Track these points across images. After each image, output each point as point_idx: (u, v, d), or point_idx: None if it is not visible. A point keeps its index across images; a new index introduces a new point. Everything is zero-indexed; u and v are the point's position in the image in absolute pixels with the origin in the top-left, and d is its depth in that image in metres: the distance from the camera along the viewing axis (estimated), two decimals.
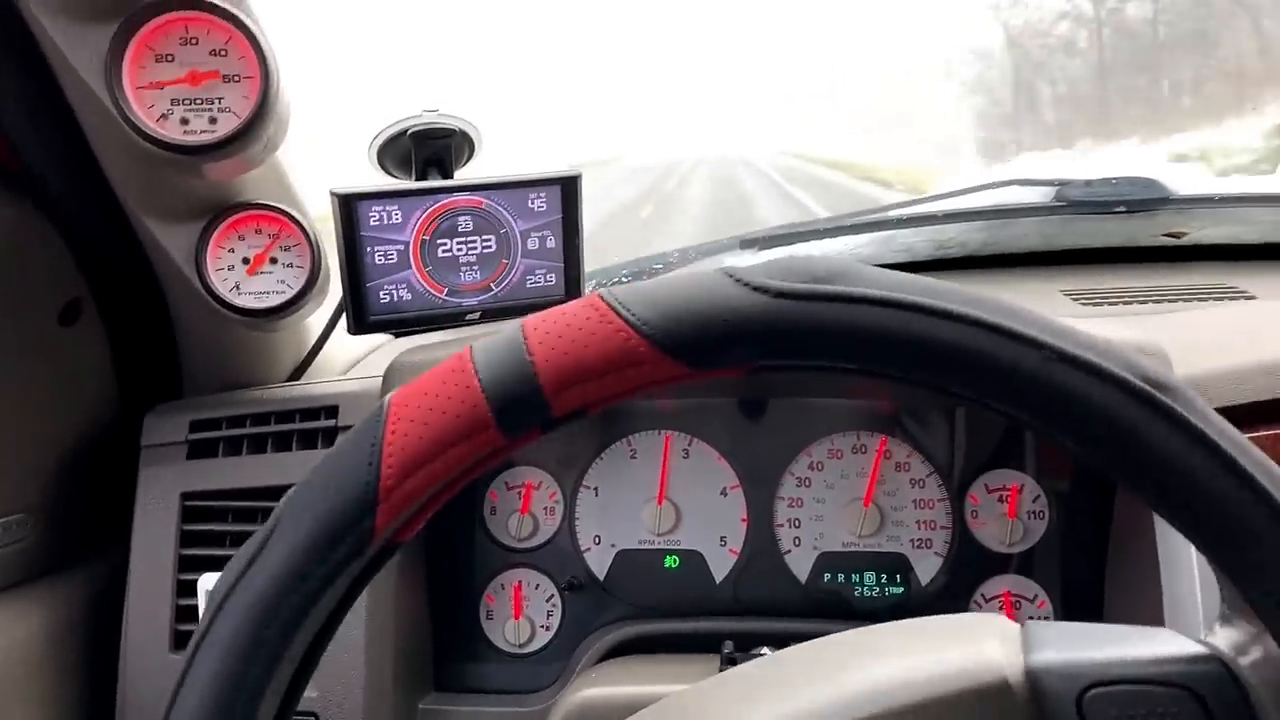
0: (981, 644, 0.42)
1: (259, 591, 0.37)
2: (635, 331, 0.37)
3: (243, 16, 0.71)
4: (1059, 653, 0.41)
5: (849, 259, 0.39)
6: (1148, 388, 0.36)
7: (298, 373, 1.01)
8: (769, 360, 0.38)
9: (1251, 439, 0.36)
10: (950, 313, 0.36)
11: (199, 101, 0.71)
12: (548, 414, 0.37)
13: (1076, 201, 1.26)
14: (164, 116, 0.70)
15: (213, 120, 0.71)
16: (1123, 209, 1.26)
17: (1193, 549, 0.76)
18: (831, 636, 0.48)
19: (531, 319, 0.39)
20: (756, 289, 0.37)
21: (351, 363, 1.12)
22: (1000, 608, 0.88)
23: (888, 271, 0.38)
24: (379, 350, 1.16)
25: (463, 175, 0.94)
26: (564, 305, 0.39)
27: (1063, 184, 1.29)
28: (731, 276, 0.38)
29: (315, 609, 0.37)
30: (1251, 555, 0.35)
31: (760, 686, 0.46)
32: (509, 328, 0.39)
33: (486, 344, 0.39)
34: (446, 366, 0.39)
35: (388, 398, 0.39)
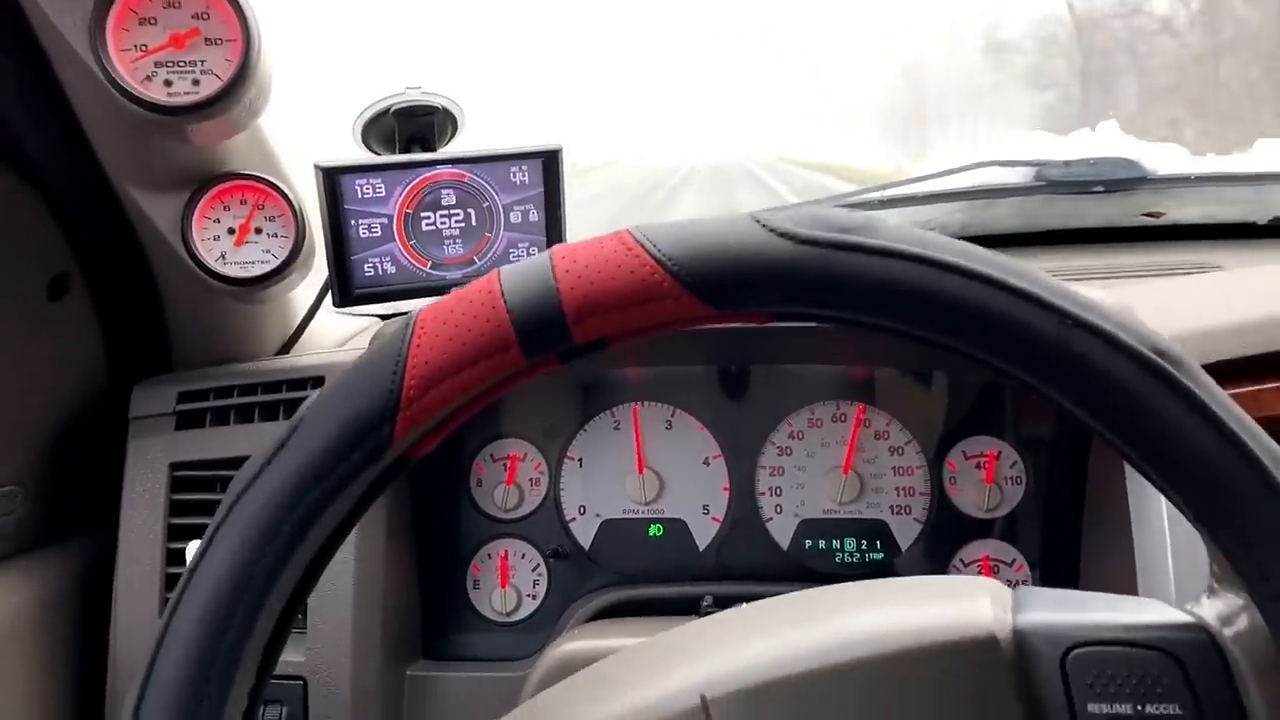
0: (973, 601, 0.43)
1: (276, 488, 0.38)
2: (661, 267, 0.38)
3: None
4: (1046, 614, 0.42)
5: (879, 216, 0.39)
6: (1157, 358, 0.36)
7: (285, 348, 1.02)
8: (789, 306, 0.38)
9: None
10: (974, 272, 0.37)
11: (182, 64, 0.72)
12: (569, 340, 0.38)
13: (1055, 181, 1.28)
14: (148, 79, 0.72)
15: (195, 82, 0.72)
16: (1101, 189, 1.27)
17: (1164, 513, 0.77)
18: (819, 588, 0.49)
19: (560, 248, 0.40)
20: (783, 235, 0.38)
21: (340, 342, 1.13)
22: (979, 572, 0.90)
23: (915, 229, 0.39)
24: (366, 330, 1.17)
25: (445, 152, 0.96)
26: (595, 238, 0.40)
27: (1041, 164, 1.30)
28: (759, 222, 0.39)
29: (329, 510, 0.38)
30: (1245, 532, 0.36)
31: (747, 628, 0.47)
32: (538, 255, 0.40)
33: (515, 268, 0.39)
34: (475, 286, 0.39)
35: (415, 311, 0.40)
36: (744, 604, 0.77)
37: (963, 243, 0.38)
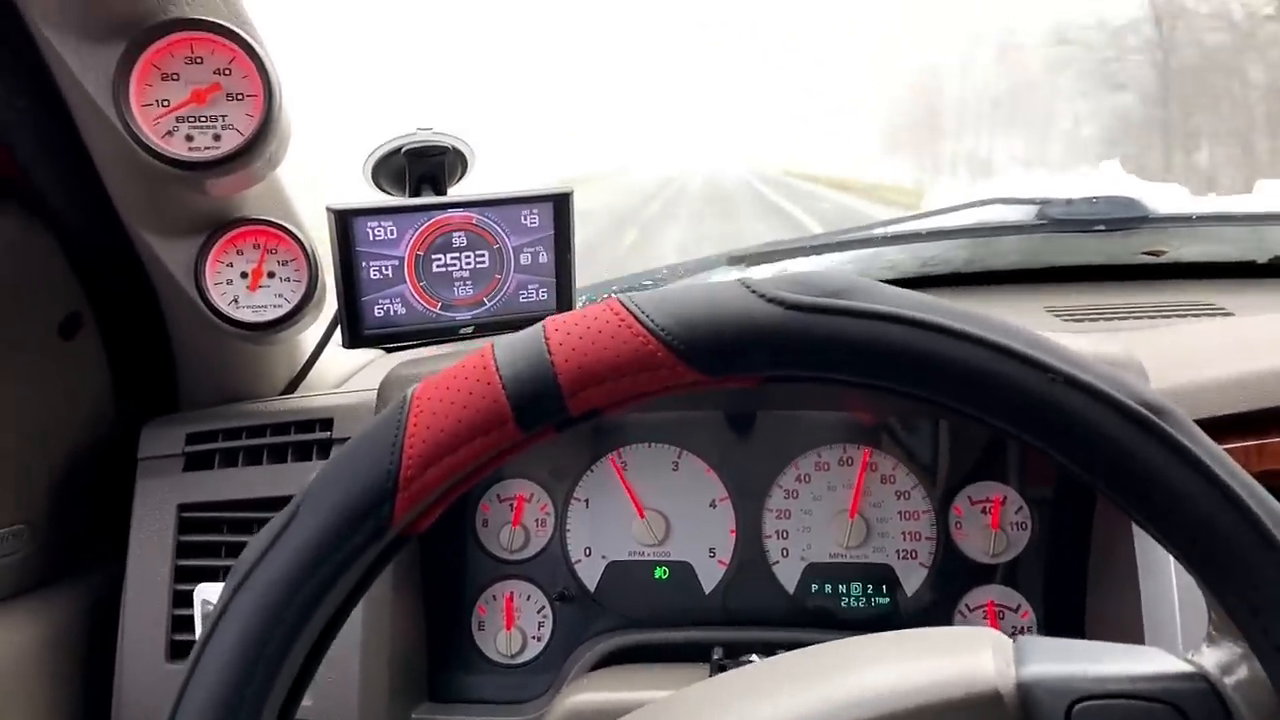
0: (974, 655, 0.43)
1: (280, 570, 0.38)
2: (653, 337, 0.38)
3: (246, 36, 0.73)
4: (1050, 666, 0.42)
5: (863, 277, 0.40)
6: (1146, 412, 0.37)
7: (292, 386, 1.02)
8: (781, 371, 0.39)
9: (1227, 450, 0.38)
10: (958, 331, 0.38)
11: (203, 119, 0.73)
12: (564, 413, 0.39)
13: (1058, 220, 1.29)
14: (169, 133, 0.72)
15: (216, 137, 0.73)
16: (1103, 227, 1.28)
17: (1171, 559, 0.78)
18: (824, 644, 0.49)
19: (553, 320, 0.40)
20: (772, 300, 0.38)
21: (344, 377, 1.13)
22: (984, 618, 0.90)
23: (899, 290, 0.39)
24: (371, 365, 1.17)
25: (455, 192, 0.96)
26: (585, 309, 0.40)
27: (1044, 202, 1.31)
28: (748, 287, 0.39)
29: (332, 592, 0.39)
30: (1244, 587, 0.37)
31: (751, 690, 0.47)
32: (530, 328, 0.40)
33: (508, 341, 0.40)
34: (469, 362, 0.40)
35: (411, 389, 0.40)
36: (752, 659, 0.77)
37: (948, 303, 0.39)
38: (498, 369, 0.39)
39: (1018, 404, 0.37)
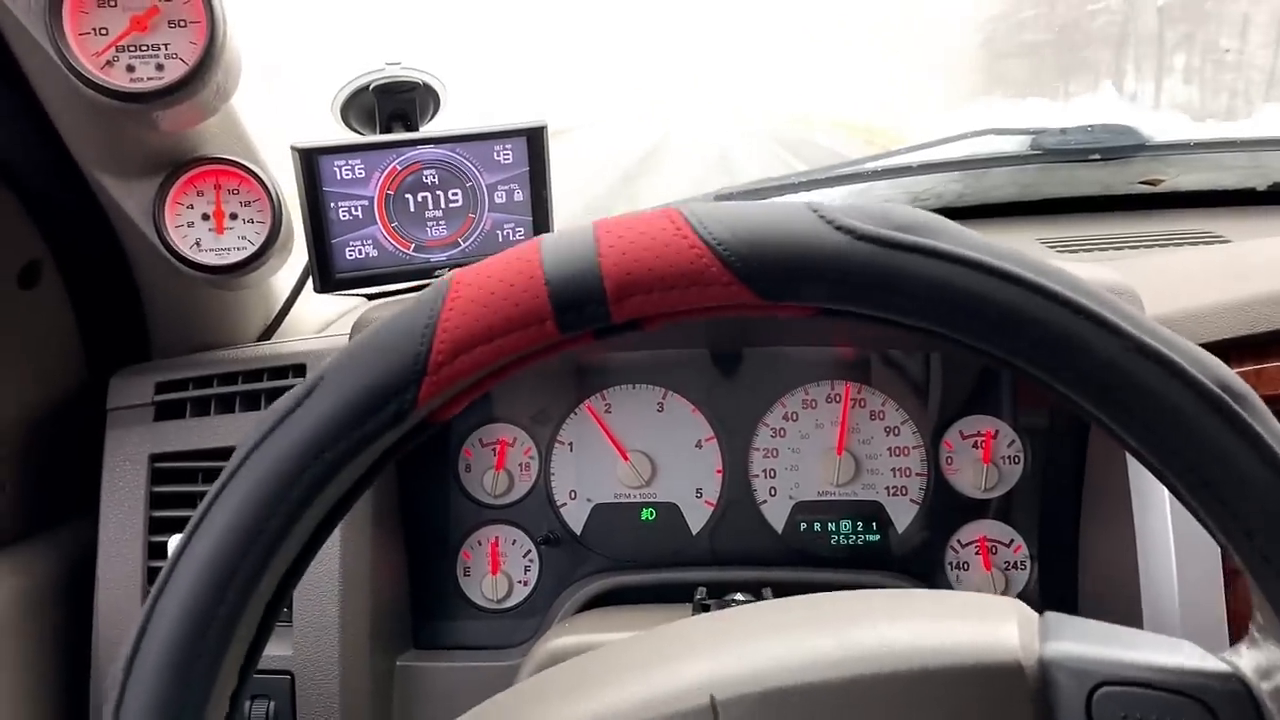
0: (999, 625, 0.42)
1: (291, 446, 0.36)
2: (710, 250, 0.36)
3: None
4: (1075, 646, 0.40)
5: (940, 217, 0.37)
6: (1222, 394, 0.35)
7: (267, 334, 1.00)
8: (839, 303, 0.37)
9: None
10: (1036, 284, 0.35)
11: (144, 48, 0.69)
12: (606, 318, 0.37)
13: (1052, 150, 1.26)
14: (109, 64, 0.69)
15: (159, 66, 0.70)
16: (1098, 156, 1.25)
17: (1167, 495, 0.76)
18: (847, 593, 0.47)
19: (605, 221, 0.38)
20: (841, 228, 0.36)
21: (324, 324, 1.11)
22: (977, 552, 0.89)
23: (971, 231, 0.37)
24: (351, 312, 1.15)
25: (427, 130, 0.93)
26: (640, 214, 0.38)
27: (1038, 132, 1.28)
28: (816, 212, 0.37)
29: (341, 476, 0.37)
30: None
31: (764, 626, 0.46)
32: (579, 225, 0.38)
33: (556, 238, 0.38)
34: (514, 253, 0.38)
35: (451, 273, 0.38)
36: (733, 600, 0.76)
37: (1026, 253, 0.37)
38: (543, 264, 0.36)
39: (1088, 368, 0.35)
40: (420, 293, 0.38)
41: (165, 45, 0.70)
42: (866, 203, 0.38)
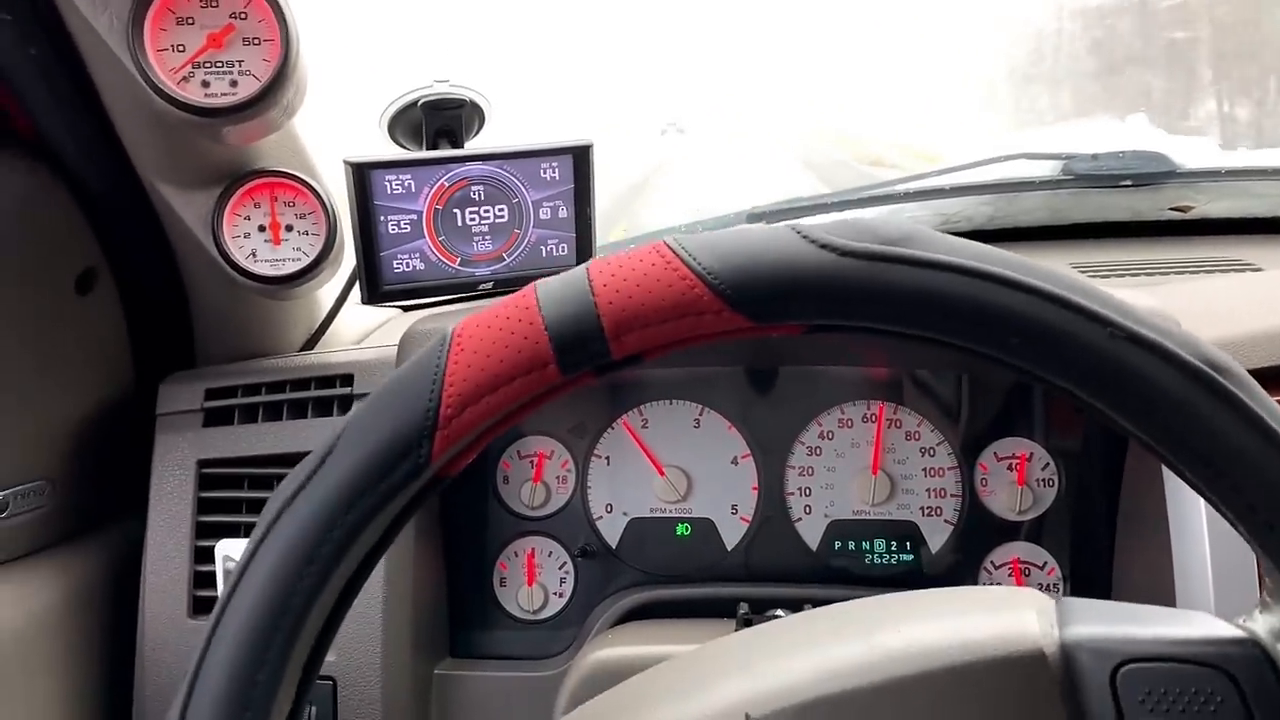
0: (1018, 614, 0.43)
1: (315, 508, 0.37)
2: (700, 280, 0.37)
3: None
4: (1094, 628, 0.41)
5: (918, 225, 0.39)
6: (1209, 370, 0.36)
7: (310, 343, 1.02)
8: (830, 320, 0.38)
9: None
10: (1019, 282, 0.36)
11: (219, 64, 0.71)
12: (606, 356, 0.38)
13: (1083, 175, 1.26)
14: (185, 79, 0.71)
15: (233, 83, 0.72)
16: (1129, 183, 1.26)
17: (1204, 517, 0.76)
18: (859, 599, 0.48)
19: (598, 261, 0.39)
20: (824, 246, 0.37)
21: (362, 335, 1.12)
22: (1010, 575, 0.89)
23: (958, 239, 0.38)
24: (389, 323, 1.16)
25: (473, 145, 0.95)
26: (630, 250, 0.39)
27: (1069, 157, 1.28)
28: (799, 233, 0.38)
29: (366, 531, 0.38)
30: None
31: (789, 643, 0.47)
32: (574, 269, 0.39)
33: (552, 283, 0.39)
34: (511, 301, 0.39)
35: (451, 327, 0.39)
36: (777, 614, 0.77)
37: (1008, 253, 0.38)
38: (540, 309, 0.38)
39: (1077, 359, 0.36)
40: (425, 348, 0.39)
41: (240, 62, 0.72)
42: (851, 218, 0.39)
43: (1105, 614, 0.43)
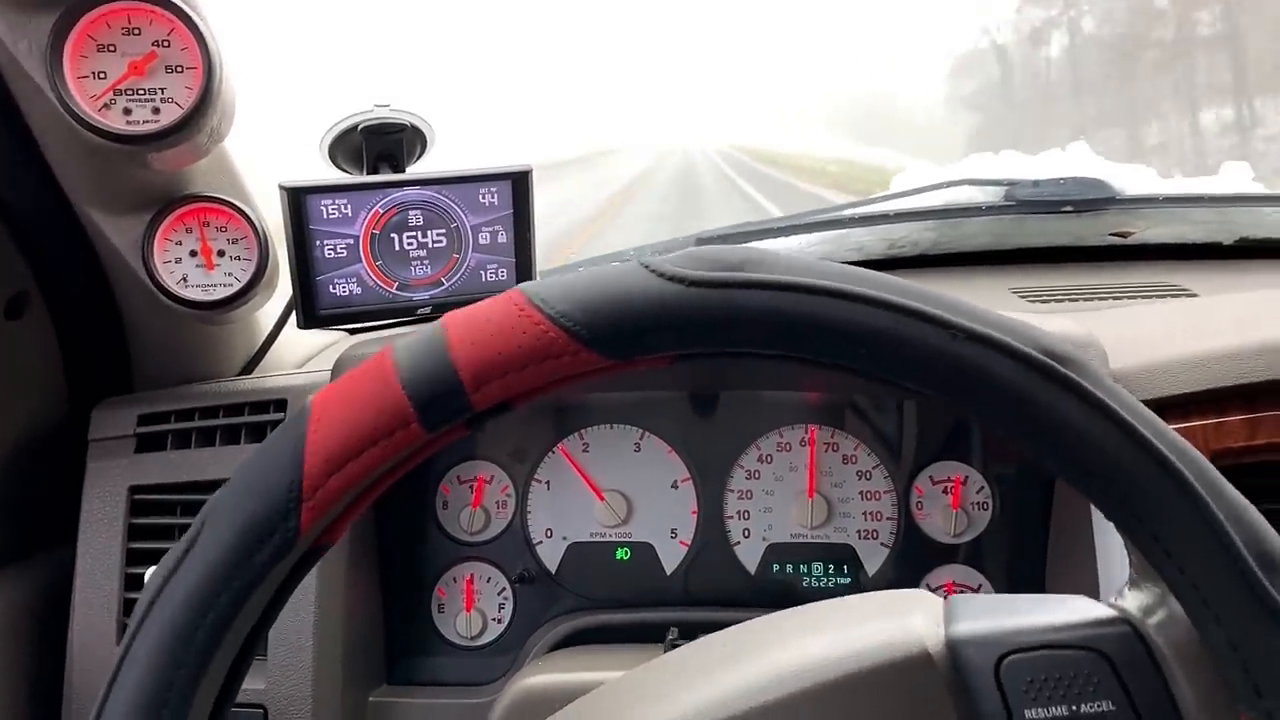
0: (904, 618, 0.44)
1: (188, 592, 0.37)
2: (553, 324, 0.38)
3: (185, 7, 0.71)
4: (977, 623, 0.42)
5: (762, 249, 0.40)
6: (1048, 360, 0.37)
7: (249, 367, 1.01)
8: (687, 348, 0.39)
9: (1183, 429, 0.38)
10: (857, 294, 0.38)
11: (141, 91, 0.71)
12: (470, 409, 0.38)
13: (1025, 201, 1.28)
14: (106, 106, 0.70)
15: (156, 110, 0.71)
16: (1070, 209, 1.28)
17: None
18: (761, 618, 0.49)
19: (452, 315, 0.39)
20: (671, 279, 0.38)
21: (305, 358, 1.12)
22: (945, 596, 0.90)
23: (803, 258, 0.39)
24: (333, 346, 1.16)
25: (414, 170, 0.95)
26: (484, 301, 0.39)
27: (1012, 184, 1.31)
28: (647, 267, 0.39)
29: (244, 610, 0.38)
30: (1157, 528, 0.37)
31: (690, 669, 0.47)
32: (430, 325, 0.39)
33: (408, 341, 0.39)
34: (368, 365, 0.39)
35: (310, 398, 0.39)
36: (694, 640, 0.77)
37: (849, 267, 0.39)
38: (397, 369, 0.38)
39: (923, 362, 0.38)
40: (283, 422, 0.39)
41: (162, 90, 0.71)
42: (697, 249, 0.40)
43: (989, 608, 0.44)
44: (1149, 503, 0.37)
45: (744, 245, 0.40)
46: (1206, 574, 0.36)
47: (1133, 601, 0.41)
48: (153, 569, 0.85)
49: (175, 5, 0.71)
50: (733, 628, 0.49)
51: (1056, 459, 0.38)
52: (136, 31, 0.71)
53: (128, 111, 0.71)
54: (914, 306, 0.38)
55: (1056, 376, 0.37)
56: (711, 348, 0.38)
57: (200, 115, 0.71)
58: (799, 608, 0.49)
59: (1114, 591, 0.77)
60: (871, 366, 0.38)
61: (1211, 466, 0.37)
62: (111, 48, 0.70)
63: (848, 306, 0.37)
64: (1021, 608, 0.43)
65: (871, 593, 0.49)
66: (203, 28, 0.71)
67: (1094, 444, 0.37)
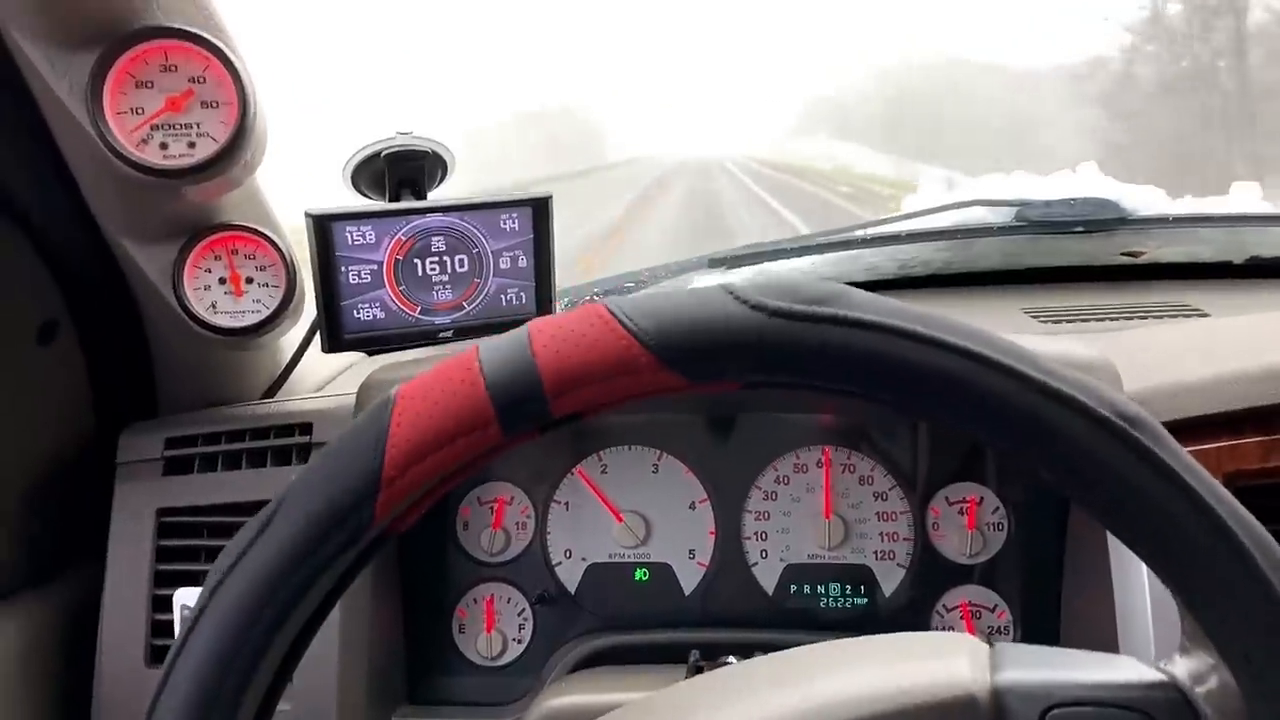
0: (950, 661, 0.44)
1: (259, 569, 0.38)
2: (636, 340, 0.38)
3: (221, 45, 0.73)
4: (1024, 673, 0.42)
5: (844, 286, 0.40)
6: (1120, 422, 0.38)
7: (272, 390, 1.02)
8: (761, 377, 0.39)
9: (1197, 452, 0.38)
10: (939, 341, 0.38)
11: (178, 127, 0.73)
12: (547, 415, 0.39)
13: (1037, 221, 1.30)
14: (144, 141, 0.72)
15: (191, 145, 0.73)
16: (1081, 229, 1.29)
17: (1144, 564, 0.78)
18: (802, 647, 0.50)
19: (537, 322, 0.40)
20: (755, 307, 0.39)
21: (325, 380, 1.13)
22: (960, 618, 0.91)
23: (882, 298, 0.40)
24: (352, 369, 1.17)
25: (435, 196, 0.97)
26: (569, 312, 0.41)
27: (1023, 204, 1.32)
28: (731, 293, 0.39)
29: (311, 592, 0.39)
30: (1213, 596, 0.37)
31: (727, 692, 0.48)
32: (515, 330, 0.40)
33: (493, 343, 0.40)
34: (454, 362, 0.40)
35: (395, 389, 0.40)
36: (729, 660, 0.78)
37: (929, 312, 0.39)
38: (482, 370, 0.39)
39: (995, 413, 0.38)
40: (367, 409, 0.40)
41: (198, 124, 0.73)
42: (780, 277, 0.41)
43: (1036, 659, 0.44)
44: (1207, 570, 0.37)
45: (831, 281, 0.41)
46: (1260, 647, 0.37)
47: (1183, 667, 0.41)
48: (184, 589, 0.86)
49: (211, 43, 0.72)
50: (773, 654, 0.49)
51: (1116, 520, 0.38)
52: (173, 68, 0.72)
53: (164, 146, 0.73)
54: (993, 356, 0.38)
55: (1126, 438, 0.37)
56: (787, 379, 0.39)
57: (235, 149, 0.73)
58: (839, 640, 0.49)
59: (1133, 616, 0.78)
60: (944, 414, 0.39)
61: (1278, 546, 0.38)
62: (149, 84, 0.72)
63: (930, 351, 0.38)
64: (1069, 661, 0.44)
65: (915, 632, 0.50)
66: (237, 64, 0.73)
67: (1156, 509, 0.37)
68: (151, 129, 0.72)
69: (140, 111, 0.72)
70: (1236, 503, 0.38)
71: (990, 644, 0.46)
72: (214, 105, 0.73)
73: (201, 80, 0.73)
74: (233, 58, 0.73)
